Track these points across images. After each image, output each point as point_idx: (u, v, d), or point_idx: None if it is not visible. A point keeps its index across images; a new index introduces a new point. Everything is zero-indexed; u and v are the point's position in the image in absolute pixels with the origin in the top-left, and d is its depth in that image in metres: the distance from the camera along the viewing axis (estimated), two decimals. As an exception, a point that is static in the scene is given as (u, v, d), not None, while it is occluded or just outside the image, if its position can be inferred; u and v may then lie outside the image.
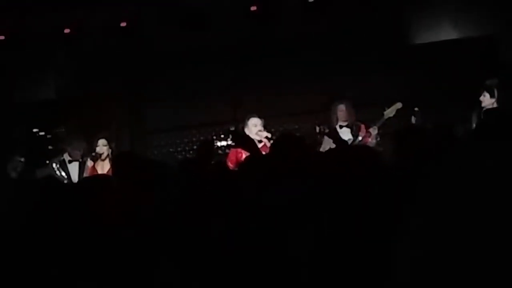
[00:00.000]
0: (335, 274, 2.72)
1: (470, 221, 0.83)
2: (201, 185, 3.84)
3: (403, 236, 0.86)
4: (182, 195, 3.76)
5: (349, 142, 8.19)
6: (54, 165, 8.29)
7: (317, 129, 7.77)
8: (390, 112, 8.20)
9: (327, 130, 7.74)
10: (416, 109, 7.91)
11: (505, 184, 0.82)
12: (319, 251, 2.81)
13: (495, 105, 7.90)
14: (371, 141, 8.05)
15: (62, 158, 8.37)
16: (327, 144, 7.61)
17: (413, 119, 7.83)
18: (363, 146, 5.93)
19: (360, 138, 8.19)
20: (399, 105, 8.19)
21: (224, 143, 7.25)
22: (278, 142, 4.48)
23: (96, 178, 4.55)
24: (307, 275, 2.75)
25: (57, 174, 8.08)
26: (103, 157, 8.13)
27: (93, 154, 8.15)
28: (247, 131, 8.20)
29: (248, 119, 8.31)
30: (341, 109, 8.49)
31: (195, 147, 10.72)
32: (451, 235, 0.85)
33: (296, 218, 2.95)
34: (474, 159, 0.85)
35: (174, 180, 4.06)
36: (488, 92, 8.01)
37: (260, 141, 7.98)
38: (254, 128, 8.17)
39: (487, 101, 7.94)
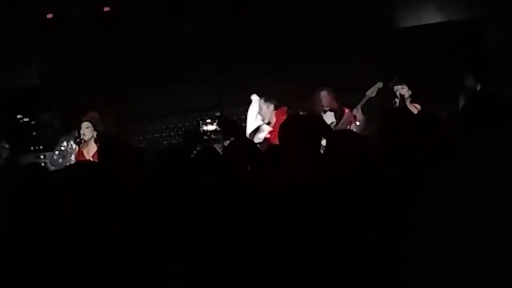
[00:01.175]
0: (322, 271, 2.74)
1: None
2: (187, 171, 3.83)
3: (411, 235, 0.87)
4: (167, 181, 3.75)
5: (333, 126, 8.26)
6: (65, 141, 8.24)
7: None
8: (371, 92, 8.30)
9: None
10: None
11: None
12: (306, 245, 2.82)
13: (479, 89, 7.94)
14: (357, 124, 8.10)
15: (76, 137, 8.23)
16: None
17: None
18: (346, 132, 5.95)
19: (343, 121, 8.28)
20: (379, 84, 8.28)
21: (210, 127, 7.27)
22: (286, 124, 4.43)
23: (82, 165, 4.52)
24: (295, 272, 2.76)
25: (68, 151, 8.10)
26: (86, 140, 8.10)
27: (77, 138, 8.11)
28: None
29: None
30: (324, 95, 8.59)
31: (180, 132, 10.71)
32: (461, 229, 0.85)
33: (283, 210, 2.96)
34: (477, 150, 0.85)
35: (159, 166, 4.05)
36: (472, 76, 8.04)
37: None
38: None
39: (471, 85, 7.97)
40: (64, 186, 3.02)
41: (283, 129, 3.73)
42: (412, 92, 8.08)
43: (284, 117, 7.96)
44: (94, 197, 3.05)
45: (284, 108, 8.55)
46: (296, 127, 3.68)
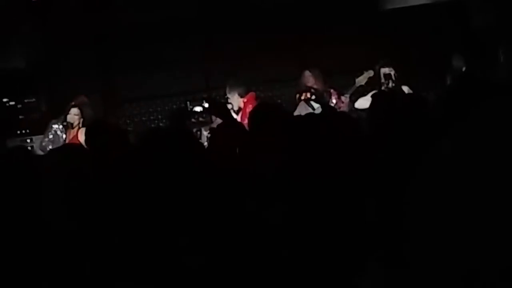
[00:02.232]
0: (312, 248, 2.74)
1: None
2: (171, 154, 3.81)
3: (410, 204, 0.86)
4: (153, 163, 3.74)
5: (319, 109, 8.25)
6: (55, 126, 8.22)
7: (301, 95, 7.80)
8: (361, 80, 8.27)
9: (309, 96, 7.74)
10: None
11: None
12: (296, 223, 2.81)
13: (465, 70, 7.96)
14: (345, 108, 8.10)
15: (65, 121, 8.21)
16: (303, 110, 7.64)
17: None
18: (339, 113, 5.95)
19: (332, 104, 8.23)
20: (370, 73, 8.24)
21: (197, 109, 7.24)
22: (256, 111, 4.46)
23: (67, 148, 4.51)
24: (284, 247, 2.76)
25: (58, 136, 8.07)
26: (74, 125, 8.09)
27: (64, 123, 8.10)
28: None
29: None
30: (306, 75, 8.52)
31: (168, 115, 10.68)
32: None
33: (271, 190, 2.95)
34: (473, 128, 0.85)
35: (145, 149, 4.03)
36: (458, 57, 8.06)
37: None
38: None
39: (458, 65, 7.99)
40: (49, 169, 3.02)
41: (251, 117, 3.75)
42: (399, 74, 8.08)
43: (251, 104, 7.96)
44: (79, 180, 3.04)
45: (252, 94, 8.40)
46: (263, 115, 3.70)
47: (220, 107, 5.45)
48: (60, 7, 9.98)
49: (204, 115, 7.57)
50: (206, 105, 6.07)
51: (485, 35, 9.23)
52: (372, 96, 4.79)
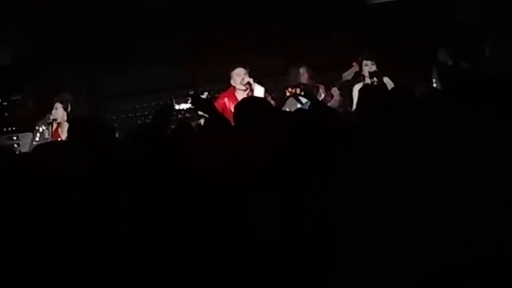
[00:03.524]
0: (299, 243, 2.72)
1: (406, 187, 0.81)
2: (160, 149, 3.79)
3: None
4: (140, 160, 3.71)
5: (308, 104, 8.24)
6: (41, 128, 8.18)
7: (290, 90, 7.78)
8: (347, 75, 8.28)
9: (298, 92, 7.74)
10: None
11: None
12: (283, 219, 2.80)
13: (451, 63, 7.96)
14: (334, 102, 8.09)
15: (50, 120, 8.18)
16: (292, 105, 7.65)
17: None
18: (328, 108, 5.95)
19: (321, 98, 8.23)
20: (356, 67, 8.25)
21: (183, 106, 7.20)
22: (241, 106, 4.44)
23: (50, 145, 4.47)
24: (271, 242, 2.74)
25: (45, 138, 8.03)
26: (58, 121, 8.06)
27: (49, 120, 8.06)
28: (232, 82, 8.35)
29: (233, 69, 8.32)
30: (302, 73, 8.51)
31: (154, 111, 10.65)
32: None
33: (258, 187, 2.94)
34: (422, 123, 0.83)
35: (132, 146, 4.01)
36: (444, 50, 8.07)
37: (245, 91, 8.22)
38: (238, 78, 8.21)
39: (444, 59, 7.99)
40: (31, 167, 2.98)
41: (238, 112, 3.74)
42: (381, 67, 8.07)
43: (223, 100, 8.10)
44: (62, 177, 3.01)
45: (232, 89, 8.43)
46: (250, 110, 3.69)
47: (204, 103, 5.44)
48: (45, 2, 9.92)
49: (189, 112, 7.55)
50: (189, 102, 6.05)
51: (470, 28, 9.24)
52: (359, 92, 4.79)
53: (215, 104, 7.69)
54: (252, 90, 8.17)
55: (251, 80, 8.24)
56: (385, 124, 0.85)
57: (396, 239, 0.76)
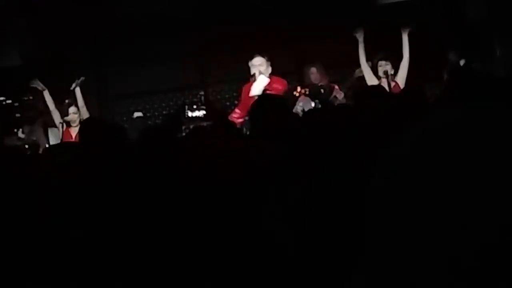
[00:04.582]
0: (316, 237, 2.71)
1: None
2: (171, 151, 3.79)
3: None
4: (150, 162, 3.71)
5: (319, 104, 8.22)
6: (20, 132, 8.24)
7: (299, 91, 7.77)
8: (359, 72, 8.27)
9: (307, 91, 7.73)
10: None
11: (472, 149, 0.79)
12: (299, 213, 2.79)
13: (462, 64, 7.94)
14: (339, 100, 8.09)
15: (36, 124, 8.24)
16: (304, 105, 7.64)
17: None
18: (342, 106, 5.94)
19: (338, 99, 8.23)
20: (358, 72, 8.27)
21: (196, 114, 7.19)
22: (258, 103, 4.43)
23: (61, 146, 4.47)
24: (286, 240, 2.73)
25: (25, 140, 8.06)
26: (74, 124, 8.09)
27: (62, 122, 8.10)
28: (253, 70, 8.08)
29: (252, 58, 8.15)
30: (313, 72, 8.48)
31: (164, 112, 10.65)
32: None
33: (273, 182, 2.93)
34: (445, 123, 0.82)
35: (142, 147, 4.01)
36: (455, 51, 8.04)
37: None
38: (256, 67, 8.05)
39: (455, 60, 7.97)
40: (42, 168, 2.98)
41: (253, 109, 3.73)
42: (395, 68, 8.06)
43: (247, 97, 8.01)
44: (72, 178, 3.01)
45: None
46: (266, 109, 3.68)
47: (217, 114, 5.43)
48: (54, 3, 9.93)
49: (201, 120, 7.53)
50: (203, 112, 6.03)
51: (480, 28, 9.21)
52: (360, 93, 4.77)
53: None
54: (255, 81, 7.98)
55: (257, 72, 8.02)
56: (413, 122, 0.85)
57: (433, 233, 0.76)
